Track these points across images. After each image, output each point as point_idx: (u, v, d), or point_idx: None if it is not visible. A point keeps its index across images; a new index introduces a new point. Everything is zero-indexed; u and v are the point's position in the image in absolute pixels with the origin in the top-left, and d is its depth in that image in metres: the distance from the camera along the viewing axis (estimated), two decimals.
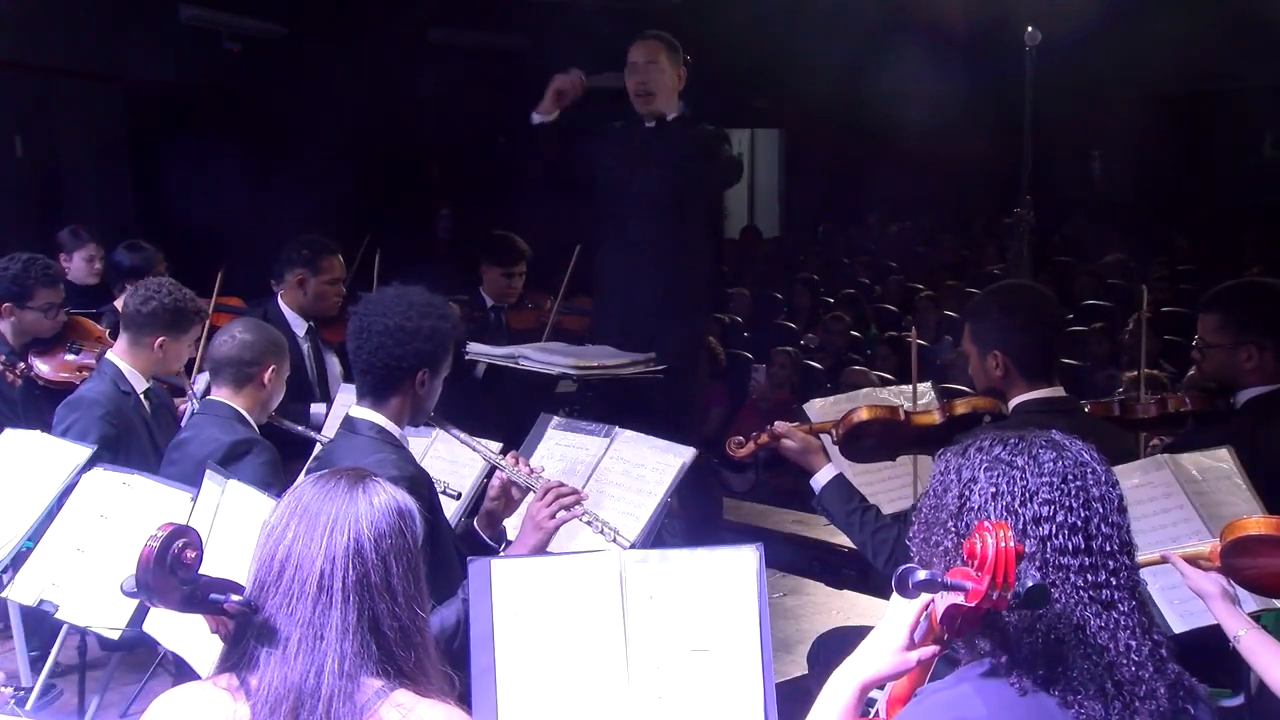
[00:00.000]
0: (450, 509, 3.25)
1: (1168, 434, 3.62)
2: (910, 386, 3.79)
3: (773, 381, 7.25)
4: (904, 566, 1.59)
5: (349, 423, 2.77)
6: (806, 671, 3.39)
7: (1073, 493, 1.65)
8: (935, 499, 1.73)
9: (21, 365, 4.46)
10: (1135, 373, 4.23)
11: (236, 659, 1.79)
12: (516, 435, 3.45)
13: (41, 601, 3.17)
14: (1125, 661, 1.61)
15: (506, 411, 4.32)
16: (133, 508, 3.17)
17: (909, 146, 11.09)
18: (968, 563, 1.52)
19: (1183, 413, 3.49)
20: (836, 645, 2.80)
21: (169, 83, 9.32)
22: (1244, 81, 11.44)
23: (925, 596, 1.61)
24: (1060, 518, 1.64)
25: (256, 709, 1.73)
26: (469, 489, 3.43)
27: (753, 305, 9.83)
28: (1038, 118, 5.16)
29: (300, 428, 3.89)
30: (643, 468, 3.12)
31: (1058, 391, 3.05)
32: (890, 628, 1.67)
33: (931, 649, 1.67)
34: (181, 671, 2.89)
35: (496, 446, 3.03)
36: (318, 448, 3.75)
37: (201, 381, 4.10)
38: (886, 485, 3.56)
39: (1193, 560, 2.30)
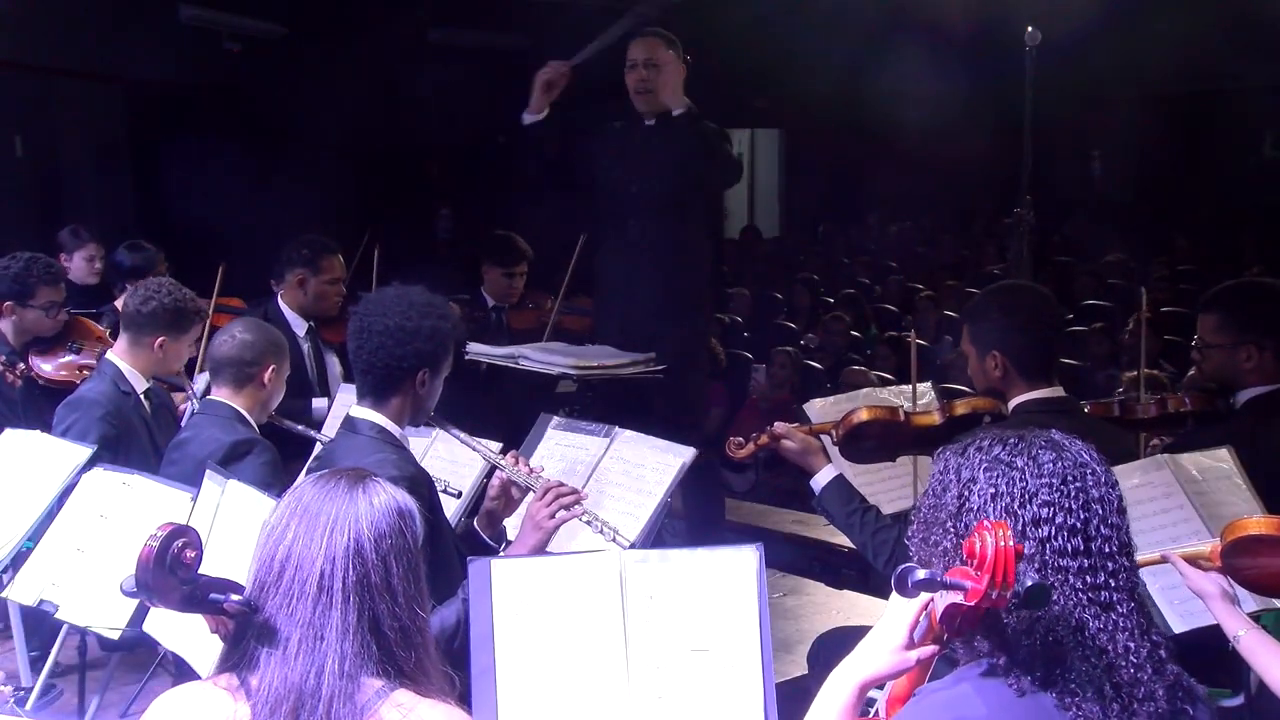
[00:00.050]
0: (451, 507, 3.25)
1: (1168, 434, 3.62)
2: (910, 386, 3.79)
3: (773, 381, 7.25)
4: (903, 566, 1.59)
5: (349, 423, 2.77)
6: (806, 671, 3.39)
7: (1072, 494, 1.65)
8: (934, 499, 1.73)
9: (22, 365, 4.46)
10: (1135, 373, 4.23)
11: (237, 659, 1.79)
12: (516, 435, 3.45)
13: (41, 601, 3.17)
14: (1124, 663, 1.61)
15: (506, 411, 4.32)
16: (133, 508, 3.17)
17: (909, 146, 11.10)
18: (967, 562, 1.52)
19: (1182, 413, 3.49)
20: (836, 645, 2.80)
21: (169, 83, 9.32)
22: (1244, 81, 11.44)
23: (924, 596, 1.61)
24: (1060, 519, 1.64)
25: (257, 709, 1.73)
26: (469, 488, 3.43)
27: (753, 305, 9.83)
28: (1038, 118, 5.16)
29: (300, 427, 3.89)
30: (643, 468, 3.12)
31: (1057, 392, 3.05)
32: (889, 627, 1.67)
33: (931, 648, 1.67)
34: (181, 671, 2.89)
35: (496, 446, 3.03)
36: (318, 447, 3.75)
37: (201, 381, 4.10)
38: (886, 486, 3.56)
39: (1193, 560, 2.30)
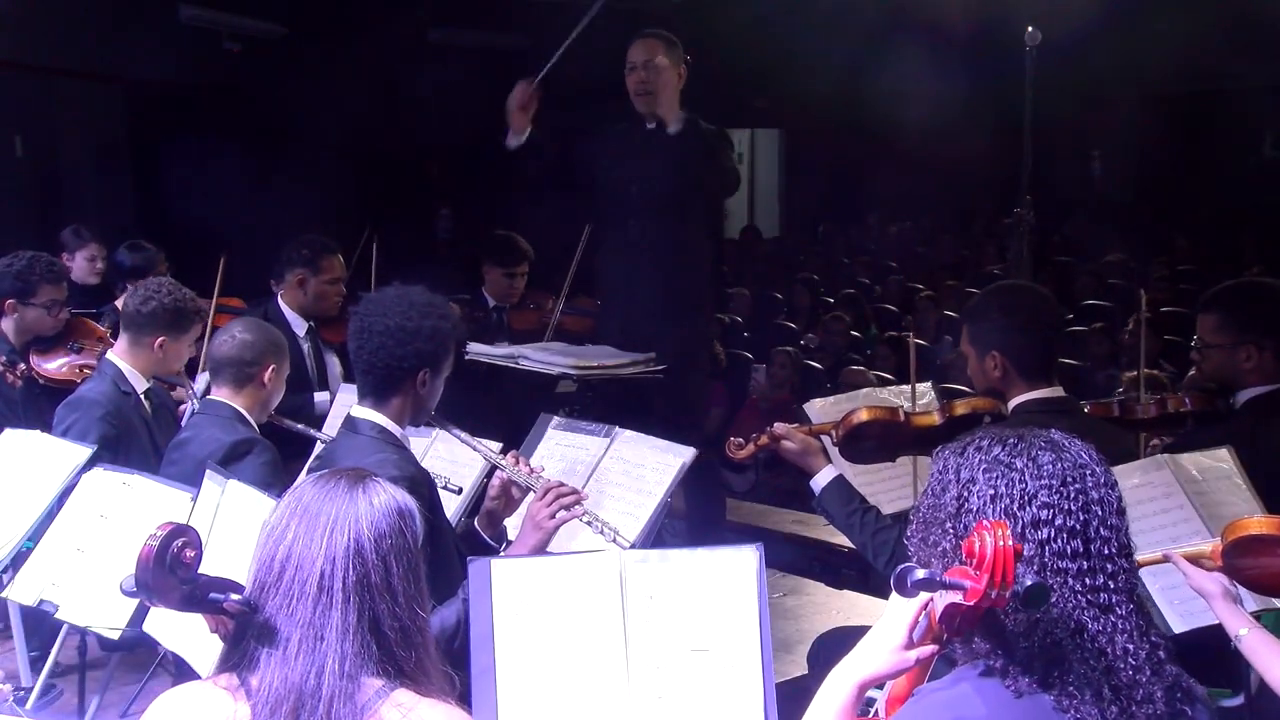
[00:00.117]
0: (452, 504, 3.25)
1: (1167, 434, 3.62)
2: (910, 386, 3.78)
3: (773, 381, 7.25)
4: (902, 565, 1.59)
5: (350, 422, 2.77)
6: (806, 671, 3.40)
7: (1072, 495, 1.65)
8: (933, 499, 1.72)
9: (22, 366, 4.46)
10: (1135, 373, 4.23)
11: (237, 659, 1.79)
12: (516, 435, 3.45)
13: (41, 601, 3.16)
14: (1123, 665, 1.61)
15: (506, 411, 4.32)
16: (133, 508, 3.16)
17: (909, 146, 11.10)
18: (966, 562, 1.52)
19: (1182, 413, 3.49)
20: (836, 645, 2.79)
21: (169, 83, 9.33)
22: (1244, 81, 11.44)
23: (924, 595, 1.61)
24: (1059, 521, 1.64)
25: (257, 709, 1.73)
26: (470, 487, 3.43)
27: (753, 305, 9.83)
28: (1038, 118, 5.16)
29: (300, 426, 3.89)
30: (643, 468, 3.12)
31: (1057, 392, 3.04)
32: (889, 627, 1.67)
33: (930, 648, 1.67)
34: (181, 671, 2.89)
35: (497, 446, 3.03)
36: (319, 447, 3.75)
37: (201, 381, 4.10)
38: (886, 486, 3.56)
39: (1194, 560, 2.30)
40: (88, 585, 3.11)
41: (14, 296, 4.55)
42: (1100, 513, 1.66)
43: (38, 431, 3.69)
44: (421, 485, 2.63)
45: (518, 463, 2.89)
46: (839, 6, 9.94)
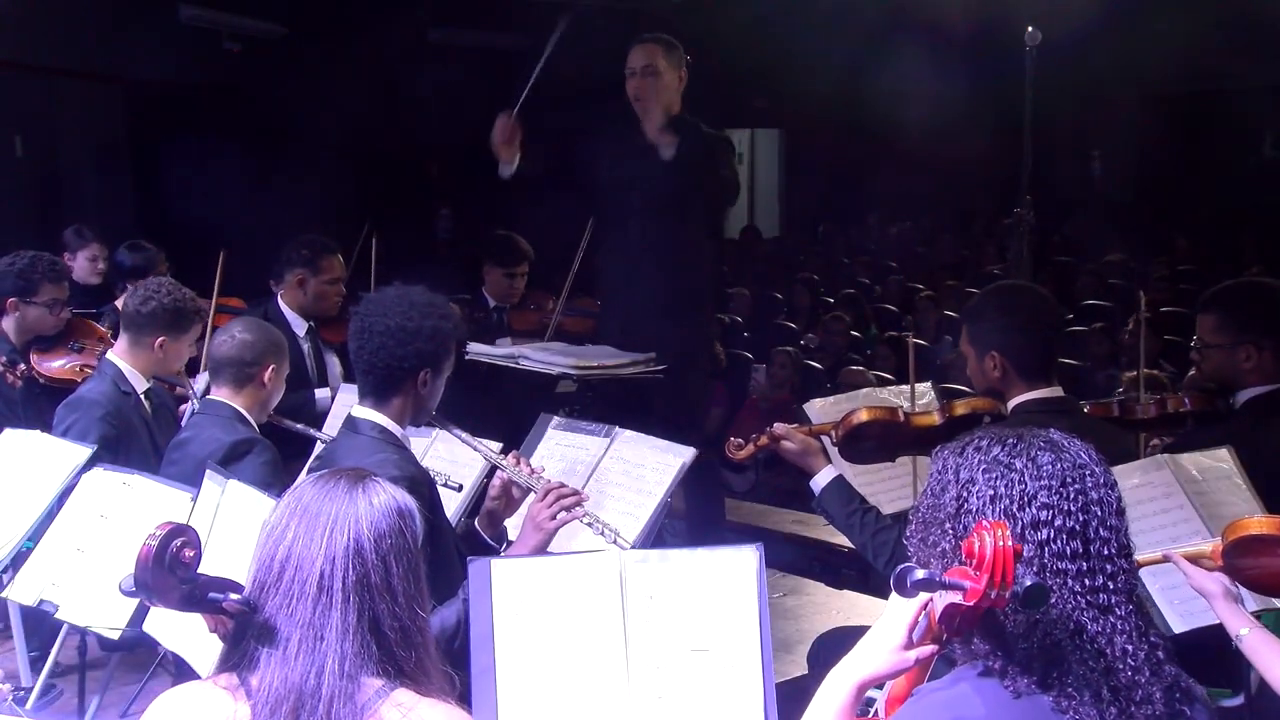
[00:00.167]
0: (452, 503, 3.25)
1: (1167, 434, 3.62)
2: (909, 387, 3.78)
3: (773, 381, 7.25)
4: (902, 565, 1.59)
5: (351, 422, 2.77)
6: (806, 671, 3.39)
7: (1071, 496, 1.64)
8: (933, 499, 1.72)
9: (22, 367, 4.46)
10: (1135, 373, 4.23)
11: (237, 659, 1.79)
12: (516, 435, 3.45)
13: (41, 601, 3.16)
14: (1122, 665, 1.61)
15: (506, 411, 4.32)
16: (133, 508, 3.16)
17: (909, 146, 11.10)
18: (966, 562, 1.52)
19: (1182, 413, 3.49)
20: (836, 645, 2.79)
21: (169, 83, 9.33)
22: (1244, 81, 11.45)
23: (923, 596, 1.61)
24: (1059, 522, 1.63)
25: (257, 709, 1.73)
26: (470, 486, 3.43)
27: (753, 305, 9.83)
28: (1038, 118, 5.16)
29: (300, 426, 3.89)
30: (643, 468, 3.12)
31: (1056, 392, 3.04)
32: (888, 627, 1.67)
33: (930, 648, 1.67)
34: (181, 671, 2.89)
35: (497, 446, 3.03)
36: (319, 447, 3.75)
37: (201, 381, 4.10)
38: (886, 486, 3.56)
39: (1194, 559, 2.30)
40: (88, 585, 3.11)
41: (16, 295, 4.56)
42: (1100, 513, 1.66)
43: (38, 431, 3.69)
44: (422, 485, 2.63)
45: (518, 463, 2.88)
46: (839, 6, 9.94)
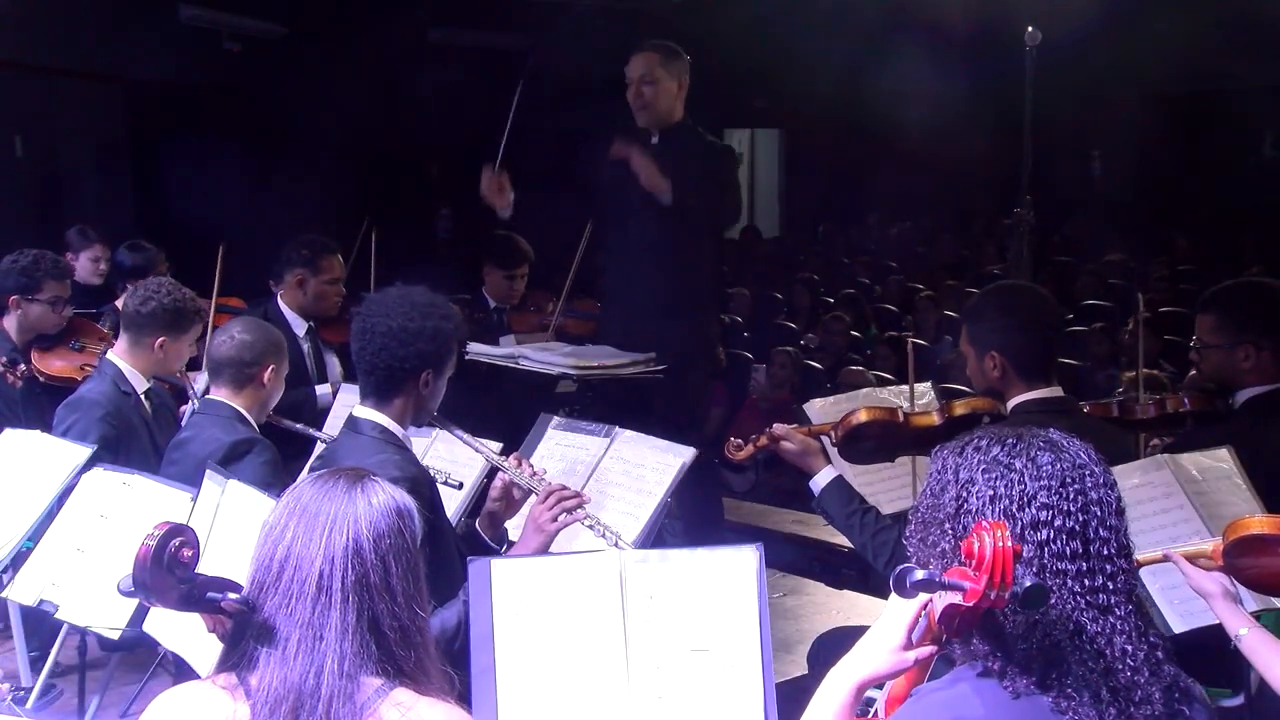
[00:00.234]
0: (452, 502, 3.25)
1: (1167, 434, 3.62)
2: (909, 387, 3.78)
3: (773, 381, 7.25)
4: (902, 566, 1.59)
5: (352, 423, 2.77)
6: (806, 671, 3.39)
7: (1071, 496, 1.64)
8: (932, 499, 1.72)
9: (23, 367, 4.47)
10: (1135, 373, 4.23)
11: (236, 659, 1.79)
12: (516, 435, 3.45)
13: (41, 601, 3.16)
14: (1121, 666, 1.61)
15: (506, 411, 4.32)
16: (133, 508, 3.16)
17: (909, 146, 11.10)
18: (965, 563, 1.52)
19: (1182, 413, 3.49)
20: (836, 645, 2.79)
21: (169, 83, 9.33)
22: (1244, 81, 11.45)
23: (923, 596, 1.61)
24: (1058, 522, 1.63)
25: (256, 709, 1.73)
26: (470, 486, 3.43)
27: (753, 305, 9.83)
28: (1038, 118, 5.16)
29: (300, 426, 3.89)
30: (643, 468, 3.12)
31: (1056, 392, 3.04)
32: (888, 627, 1.67)
33: (929, 649, 1.67)
34: (181, 671, 2.89)
35: (497, 447, 3.03)
36: (319, 446, 3.75)
37: (201, 381, 4.10)
38: (886, 486, 3.56)
39: (1194, 559, 2.30)
40: (88, 585, 3.11)
41: (18, 292, 4.58)
42: (1099, 513, 1.65)
43: (38, 431, 3.69)
44: (423, 486, 2.63)
45: (520, 465, 2.88)
46: (839, 6, 9.94)
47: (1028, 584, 1.50)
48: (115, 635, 3.11)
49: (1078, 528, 1.64)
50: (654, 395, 4.33)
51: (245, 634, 1.79)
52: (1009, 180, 5.65)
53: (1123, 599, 1.64)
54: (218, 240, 5.27)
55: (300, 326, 4.77)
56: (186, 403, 4.30)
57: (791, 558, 5.07)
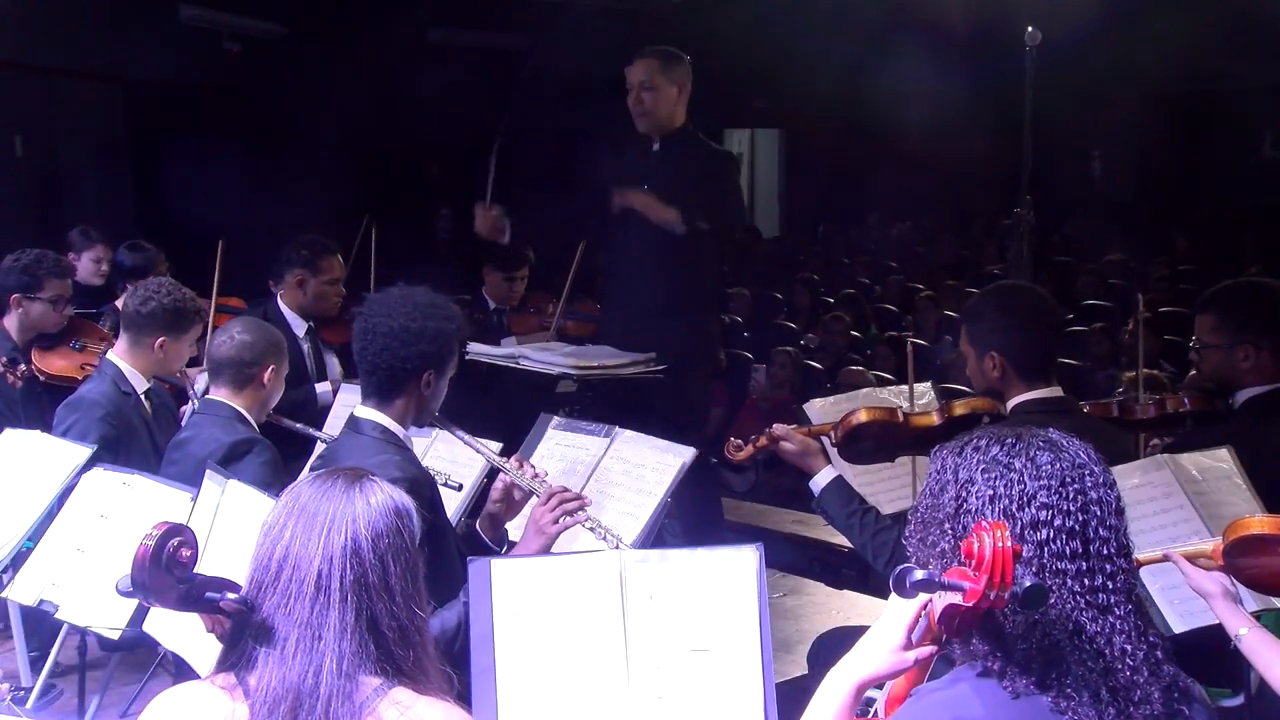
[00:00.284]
0: (452, 502, 3.25)
1: (1167, 434, 3.61)
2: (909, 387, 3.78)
3: (773, 381, 7.25)
4: (901, 566, 1.59)
5: (353, 423, 2.77)
6: (806, 671, 3.39)
7: (1070, 496, 1.64)
8: (932, 499, 1.72)
9: (23, 367, 4.47)
10: (1134, 373, 4.23)
11: (235, 659, 1.79)
12: (517, 435, 3.45)
13: (41, 601, 3.16)
14: (1121, 666, 1.61)
15: (507, 411, 4.32)
16: (133, 508, 3.16)
17: (909, 146, 11.10)
18: (965, 563, 1.52)
19: (1181, 413, 3.49)
20: (836, 645, 2.79)
21: (169, 83, 9.33)
22: (1244, 81, 11.45)
23: (923, 596, 1.61)
24: (1058, 522, 1.63)
25: (255, 709, 1.73)
26: (470, 486, 3.44)
27: (753, 305, 9.83)
28: (1038, 118, 5.16)
29: (300, 426, 3.89)
30: (643, 468, 3.12)
31: (1056, 392, 3.04)
32: (888, 627, 1.67)
33: (929, 649, 1.67)
34: (181, 671, 2.89)
35: (497, 447, 3.03)
36: (319, 446, 3.75)
37: (201, 381, 4.10)
38: (886, 486, 3.56)
39: (1194, 559, 2.30)
40: (88, 585, 3.11)
41: (19, 291, 4.59)
42: (1099, 513, 1.65)
43: (38, 431, 3.69)
44: (423, 486, 2.63)
45: (521, 466, 2.88)
46: (839, 6, 9.94)
47: (1027, 584, 1.50)
48: (115, 635, 3.11)
49: (1077, 527, 1.64)
50: (654, 395, 4.33)
51: (244, 634, 1.78)
52: (1009, 180, 5.65)
53: (1122, 599, 1.64)
54: (218, 240, 5.27)
55: (300, 327, 4.77)
56: (186, 403, 4.30)
57: (791, 558, 5.07)
